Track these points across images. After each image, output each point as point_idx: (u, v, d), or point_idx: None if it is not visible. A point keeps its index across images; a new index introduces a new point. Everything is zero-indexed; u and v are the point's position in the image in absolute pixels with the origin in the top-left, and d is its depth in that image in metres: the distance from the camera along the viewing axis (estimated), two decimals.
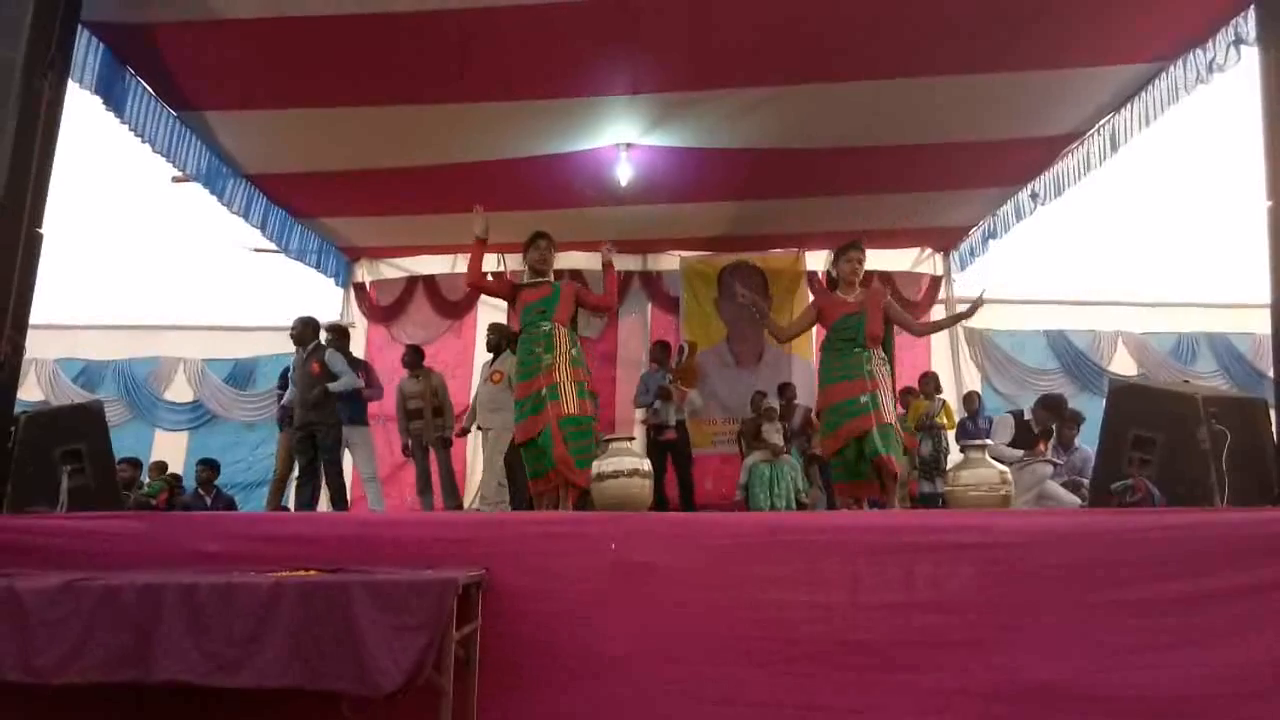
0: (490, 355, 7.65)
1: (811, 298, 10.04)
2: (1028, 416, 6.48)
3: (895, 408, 5.23)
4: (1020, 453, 6.24)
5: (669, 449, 8.07)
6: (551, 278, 5.40)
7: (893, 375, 5.30)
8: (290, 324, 7.41)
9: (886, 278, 9.59)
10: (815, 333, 9.69)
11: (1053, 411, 6.46)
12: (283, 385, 7.88)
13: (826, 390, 5.30)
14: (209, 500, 8.60)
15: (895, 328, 5.58)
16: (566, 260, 9.02)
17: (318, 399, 7.02)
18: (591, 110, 6.78)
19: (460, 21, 5.52)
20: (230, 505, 8.80)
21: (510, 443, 7.28)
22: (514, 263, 10.01)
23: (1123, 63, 6.17)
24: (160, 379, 10.79)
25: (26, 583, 2.71)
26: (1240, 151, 5.30)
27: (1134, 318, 10.53)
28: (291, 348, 7.59)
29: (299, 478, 7.31)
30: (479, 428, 7.45)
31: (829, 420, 5.29)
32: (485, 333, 8.21)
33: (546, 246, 5.39)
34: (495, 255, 10.14)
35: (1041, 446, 6.37)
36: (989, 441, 5.65)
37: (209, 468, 8.81)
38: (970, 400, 8.87)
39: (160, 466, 9.40)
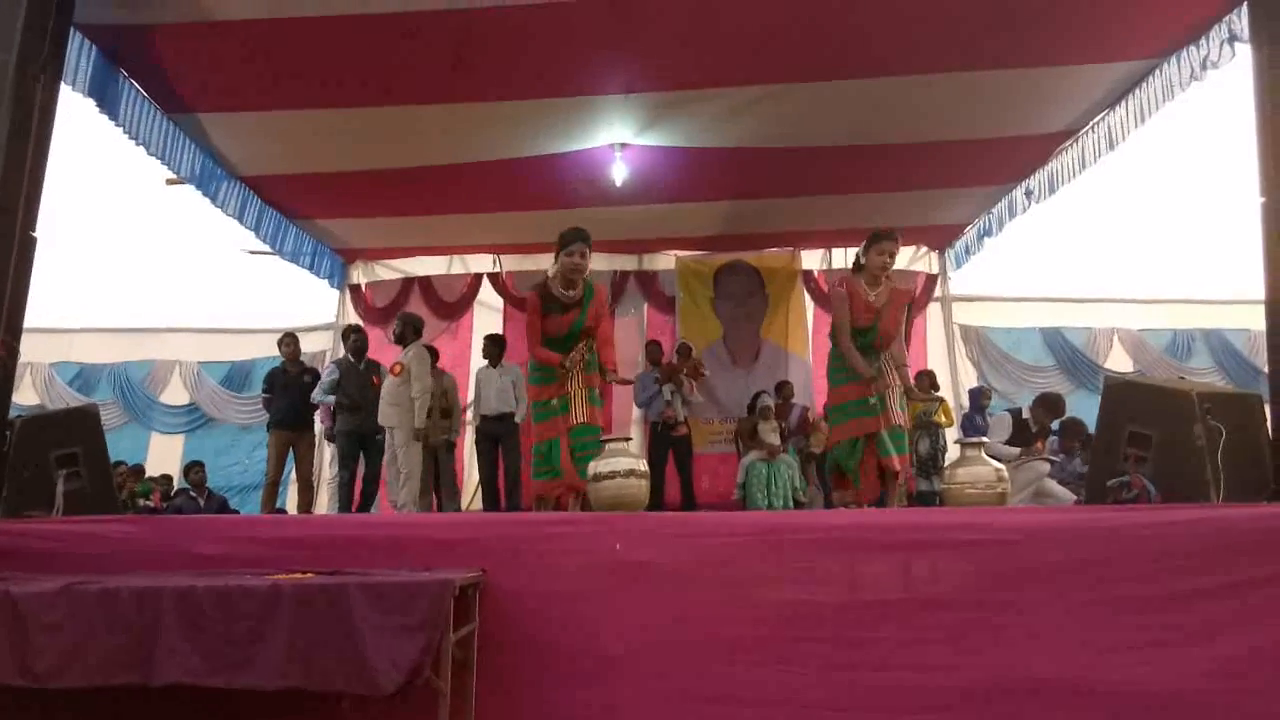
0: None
1: (808, 298, 10.08)
2: (1026, 415, 6.49)
3: (905, 400, 5.21)
4: (1017, 451, 6.25)
5: (675, 445, 8.11)
6: (581, 298, 4.98)
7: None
8: (281, 330, 7.47)
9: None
10: (814, 332, 9.85)
11: (1050, 410, 6.48)
12: (268, 389, 7.89)
13: (836, 390, 5.30)
14: (202, 501, 8.62)
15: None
16: None
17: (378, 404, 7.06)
18: (586, 110, 6.78)
19: (453, 22, 5.51)
20: (224, 505, 8.83)
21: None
22: (509, 263, 10.08)
23: (1117, 60, 6.18)
24: (156, 382, 10.78)
25: (23, 587, 2.71)
26: (1234, 147, 5.30)
27: (1130, 314, 10.55)
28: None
29: (347, 480, 7.32)
30: (383, 426, 7.06)
31: (835, 416, 5.31)
32: (483, 339, 8.19)
33: (583, 253, 4.89)
34: (491, 256, 10.17)
35: (1040, 445, 6.39)
36: (985, 439, 5.65)
37: (200, 469, 8.86)
38: (982, 395, 8.86)
39: (138, 471, 9.43)
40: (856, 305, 5.15)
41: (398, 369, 7.00)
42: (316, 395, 7.46)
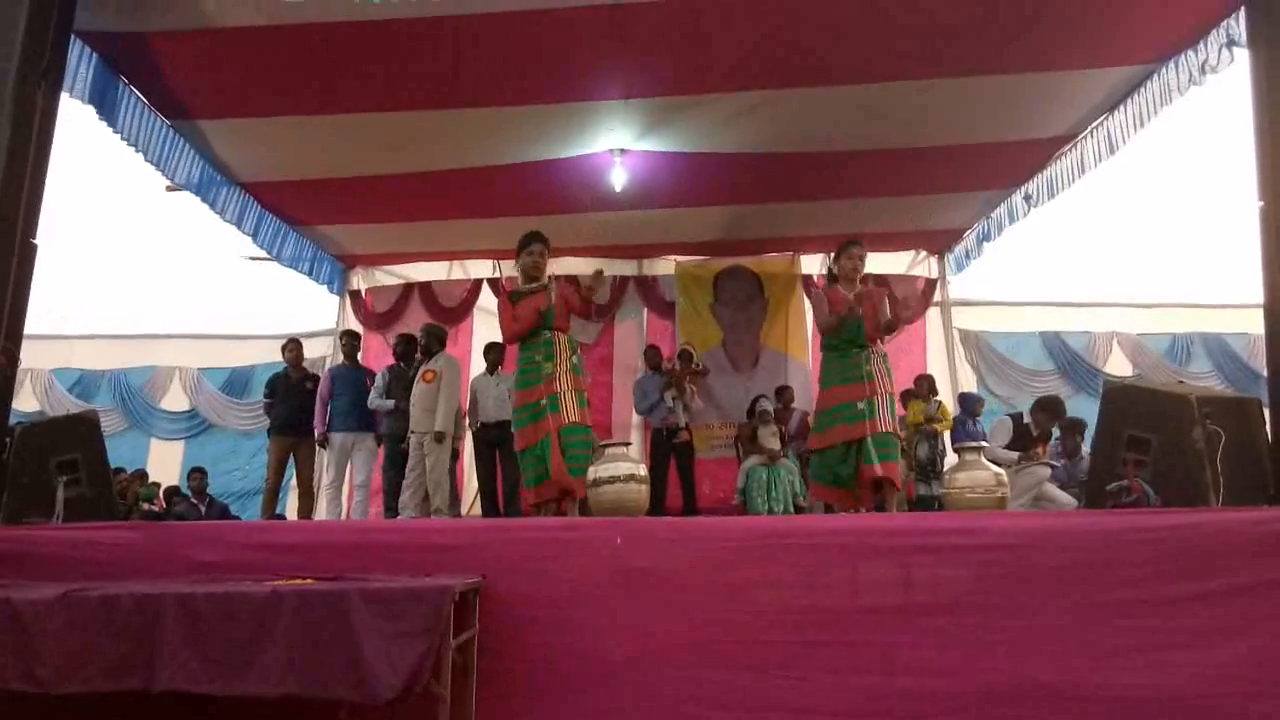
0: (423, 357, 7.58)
1: (807, 302, 10.09)
2: (1027, 420, 6.48)
3: (895, 406, 5.25)
4: (1016, 455, 6.25)
5: (677, 451, 8.11)
6: (546, 282, 5.26)
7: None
8: (280, 336, 7.53)
9: (882, 280, 9.57)
10: (814, 336, 9.84)
11: (1050, 414, 6.46)
12: (270, 395, 7.90)
13: (825, 393, 5.34)
14: (203, 508, 8.63)
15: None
16: (560, 266, 8.98)
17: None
18: (586, 115, 6.78)
19: (454, 27, 5.53)
20: (225, 511, 8.84)
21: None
22: (509, 268, 10.05)
23: (1115, 65, 6.19)
24: (156, 388, 10.79)
25: (23, 593, 2.71)
26: (1233, 152, 5.32)
27: (1129, 319, 10.54)
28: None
29: (393, 484, 7.44)
30: (412, 432, 7.16)
31: (821, 421, 5.33)
32: (483, 348, 8.23)
33: (540, 251, 5.28)
34: (491, 261, 10.19)
35: (1040, 449, 6.38)
36: (984, 444, 5.65)
37: (201, 474, 8.85)
38: (976, 403, 8.84)
39: (142, 476, 9.45)
40: (837, 304, 5.30)
41: (430, 376, 7.11)
42: (374, 400, 7.55)
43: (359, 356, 8.23)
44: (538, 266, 5.27)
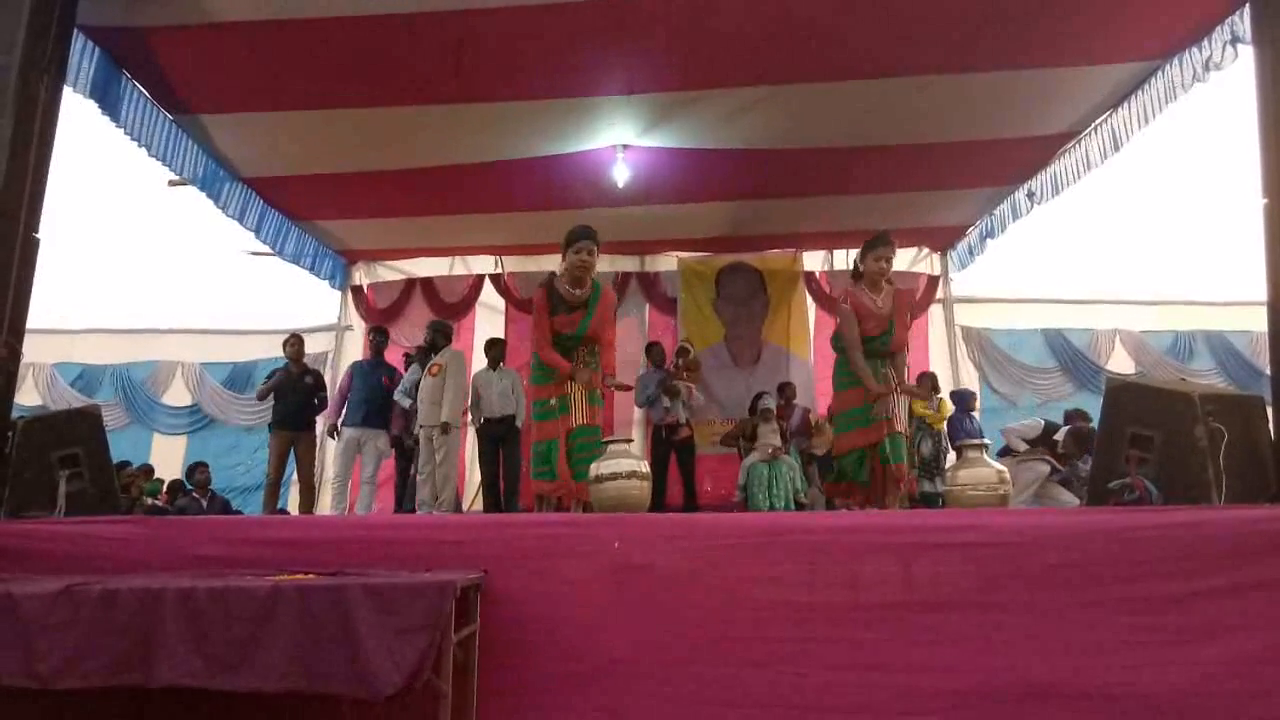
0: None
1: (809, 299, 10.08)
2: (1057, 436, 6.46)
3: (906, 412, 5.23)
4: (1025, 447, 6.26)
5: (678, 449, 8.11)
6: (588, 298, 4.98)
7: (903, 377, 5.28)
8: (282, 331, 7.60)
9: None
10: (816, 333, 9.84)
11: (1080, 446, 6.41)
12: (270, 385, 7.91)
13: (841, 395, 5.32)
14: (204, 502, 8.64)
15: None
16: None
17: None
18: (588, 111, 6.78)
19: (456, 22, 5.52)
20: (225, 506, 8.85)
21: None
22: (511, 264, 10.09)
23: (1119, 61, 6.18)
24: (158, 383, 10.81)
25: (24, 588, 2.70)
26: (1237, 149, 5.30)
27: (1131, 316, 10.53)
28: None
29: (405, 478, 7.62)
30: (421, 426, 7.21)
31: (841, 423, 5.32)
32: (484, 344, 8.25)
33: (590, 250, 4.88)
34: (493, 257, 10.18)
35: (1060, 463, 6.39)
36: (986, 441, 5.64)
37: (204, 469, 8.88)
38: (964, 397, 8.84)
39: (148, 471, 9.46)
40: (865, 317, 5.16)
41: (436, 369, 7.18)
42: (398, 395, 7.64)
43: (385, 353, 8.28)
44: (585, 268, 4.91)
